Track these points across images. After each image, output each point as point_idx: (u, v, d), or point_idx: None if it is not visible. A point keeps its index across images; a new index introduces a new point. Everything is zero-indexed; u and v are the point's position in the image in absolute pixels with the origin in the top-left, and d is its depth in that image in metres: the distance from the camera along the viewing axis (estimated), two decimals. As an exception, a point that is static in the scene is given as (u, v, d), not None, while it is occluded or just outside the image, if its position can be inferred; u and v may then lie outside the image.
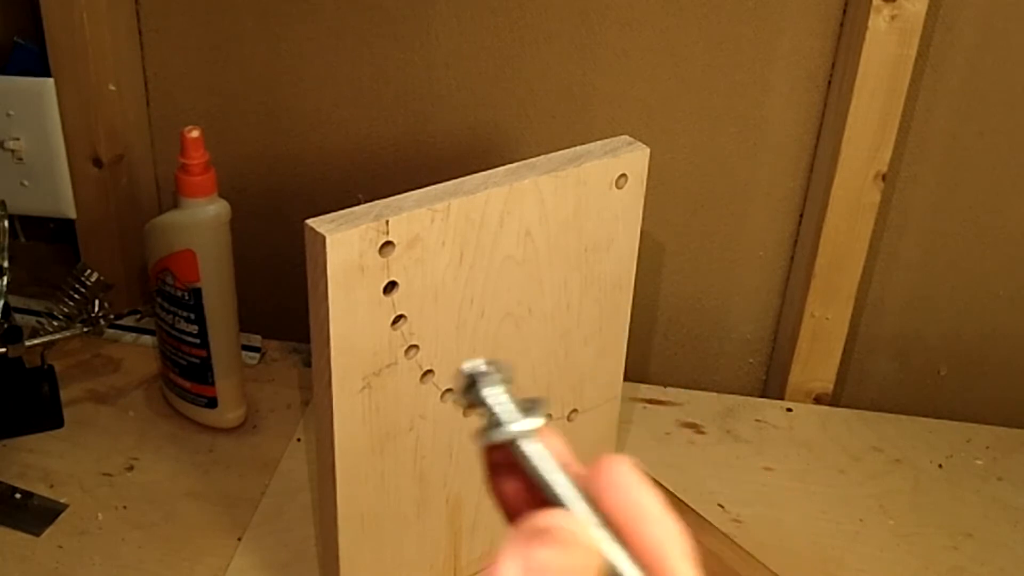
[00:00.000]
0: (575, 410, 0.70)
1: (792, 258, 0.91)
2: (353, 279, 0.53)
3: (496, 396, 0.24)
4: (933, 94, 0.83)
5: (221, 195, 0.77)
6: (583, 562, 0.23)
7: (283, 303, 0.96)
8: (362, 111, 0.90)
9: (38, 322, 0.81)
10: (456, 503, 0.67)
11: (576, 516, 0.23)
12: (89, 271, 0.82)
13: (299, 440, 0.82)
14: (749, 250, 0.92)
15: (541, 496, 0.24)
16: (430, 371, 0.60)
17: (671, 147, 0.88)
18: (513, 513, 0.26)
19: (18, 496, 0.75)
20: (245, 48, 0.89)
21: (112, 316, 0.82)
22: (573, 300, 0.65)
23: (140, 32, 0.90)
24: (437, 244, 0.56)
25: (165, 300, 0.79)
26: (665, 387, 0.91)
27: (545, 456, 0.24)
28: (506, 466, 0.25)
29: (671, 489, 0.76)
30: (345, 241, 0.52)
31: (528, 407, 0.24)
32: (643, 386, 0.91)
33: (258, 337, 0.92)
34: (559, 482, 0.24)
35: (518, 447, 0.24)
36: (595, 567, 0.23)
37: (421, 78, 0.88)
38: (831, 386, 0.91)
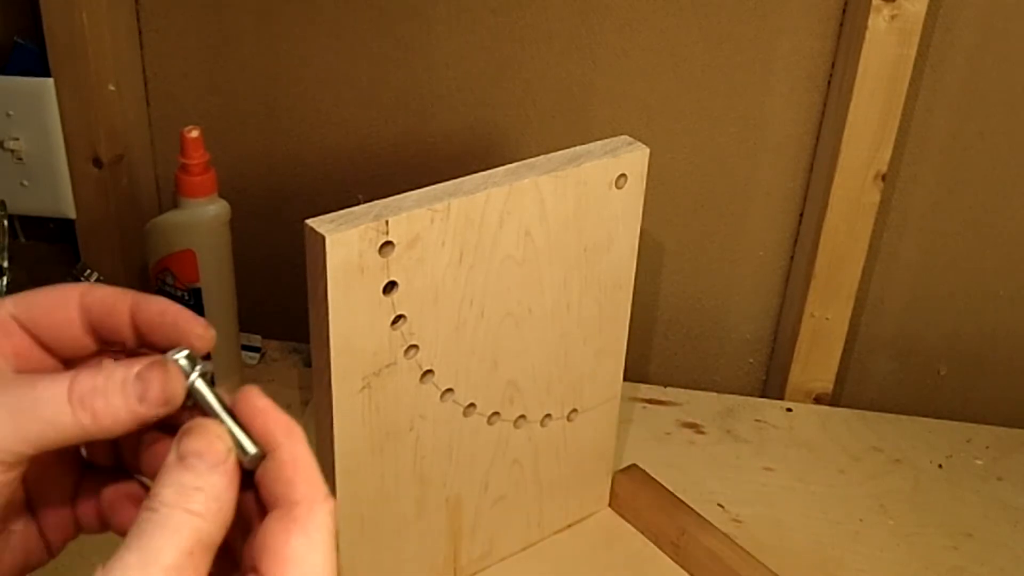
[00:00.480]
0: (575, 410, 0.70)
1: (792, 258, 0.91)
2: (353, 279, 0.53)
3: (184, 362, 0.37)
4: (933, 94, 0.83)
5: (221, 195, 0.77)
6: (213, 437, 0.35)
7: (283, 303, 0.96)
8: (362, 111, 0.90)
9: (38, 322, 0.81)
10: (456, 503, 0.67)
11: (214, 420, 0.36)
12: (89, 271, 0.82)
13: (299, 440, 0.82)
14: (749, 250, 0.92)
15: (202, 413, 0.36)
16: (430, 371, 0.60)
17: (671, 147, 0.88)
18: None
19: (18, 496, 0.75)
20: (245, 48, 0.89)
21: (112, 316, 0.82)
22: (573, 300, 0.65)
23: (140, 32, 0.90)
24: (437, 244, 0.56)
25: (165, 300, 0.79)
26: (665, 387, 0.91)
27: (206, 389, 0.37)
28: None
29: (671, 489, 0.76)
30: (345, 241, 0.52)
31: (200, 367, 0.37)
32: (643, 386, 0.91)
33: (258, 337, 0.92)
34: (209, 398, 0.36)
35: (195, 389, 0.36)
36: (224, 440, 0.35)
37: (421, 78, 0.88)
38: (831, 386, 0.91)
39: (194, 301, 0.77)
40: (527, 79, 0.87)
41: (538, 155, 0.61)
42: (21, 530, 0.41)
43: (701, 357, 0.97)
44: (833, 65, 0.83)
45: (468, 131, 0.89)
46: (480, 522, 0.69)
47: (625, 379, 0.73)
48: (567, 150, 0.62)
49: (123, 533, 0.38)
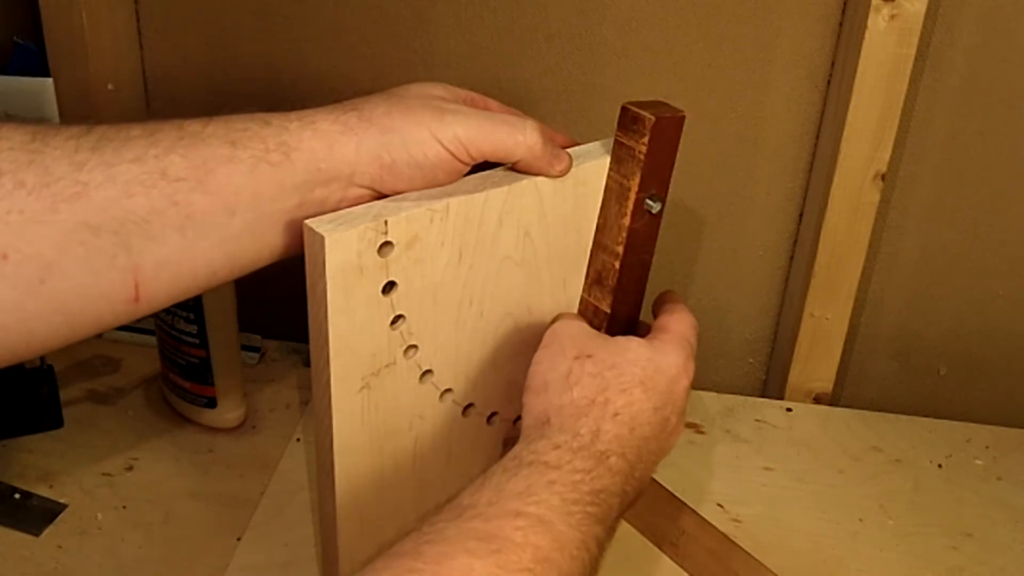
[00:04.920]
0: (575, 410, 0.70)
1: (792, 258, 0.91)
2: (352, 279, 0.53)
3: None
4: (933, 94, 0.83)
5: (221, 195, 0.77)
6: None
7: (283, 303, 0.96)
8: (362, 111, 0.90)
9: (38, 322, 0.81)
10: (455, 503, 0.67)
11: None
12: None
13: (299, 440, 0.82)
14: (749, 250, 0.92)
15: None
16: (429, 371, 0.60)
17: (671, 147, 0.88)
18: None
19: (18, 496, 0.75)
20: (245, 48, 0.89)
21: (112, 316, 0.82)
22: (572, 300, 0.65)
23: (140, 32, 0.90)
24: (436, 244, 0.56)
25: (165, 300, 0.79)
26: (665, 387, 0.91)
27: None
28: None
29: (671, 489, 0.76)
30: (344, 241, 0.52)
31: None
32: (643, 386, 0.91)
33: (258, 337, 0.92)
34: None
35: None
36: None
37: (421, 78, 0.88)
38: (831, 386, 0.91)
39: (194, 302, 0.77)
40: (527, 79, 0.87)
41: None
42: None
43: (701, 357, 0.97)
44: (833, 65, 0.83)
45: (468, 131, 0.89)
46: (480, 522, 0.69)
47: (625, 379, 0.72)
48: (567, 150, 0.62)
49: None
